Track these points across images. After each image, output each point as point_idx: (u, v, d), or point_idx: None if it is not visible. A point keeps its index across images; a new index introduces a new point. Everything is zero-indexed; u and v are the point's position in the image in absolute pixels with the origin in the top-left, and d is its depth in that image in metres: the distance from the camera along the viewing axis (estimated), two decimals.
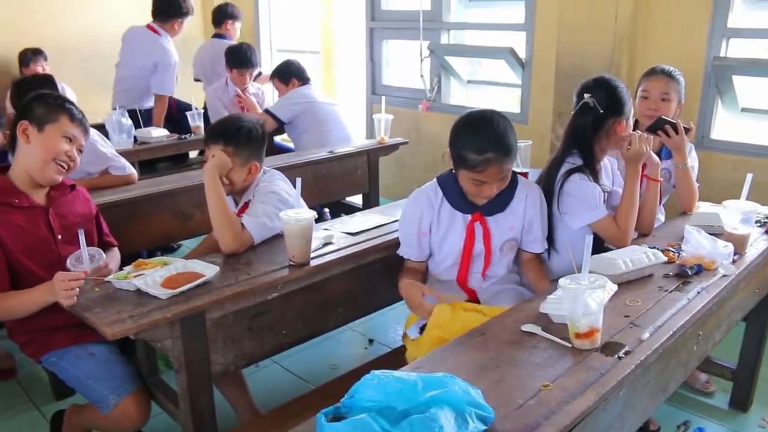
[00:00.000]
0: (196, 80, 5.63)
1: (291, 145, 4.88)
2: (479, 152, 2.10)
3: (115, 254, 2.52)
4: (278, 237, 2.41)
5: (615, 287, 1.94)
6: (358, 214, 2.81)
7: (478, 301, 2.38)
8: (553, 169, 2.45)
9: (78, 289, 1.97)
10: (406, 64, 5.53)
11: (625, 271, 2.07)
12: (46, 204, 2.30)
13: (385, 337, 3.52)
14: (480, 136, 2.12)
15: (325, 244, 2.39)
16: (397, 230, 2.51)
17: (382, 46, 5.63)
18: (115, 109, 4.70)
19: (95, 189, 3.21)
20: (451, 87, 5.24)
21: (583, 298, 1.65)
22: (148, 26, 4.96)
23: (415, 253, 2.37)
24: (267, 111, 4.50)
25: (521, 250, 2.44)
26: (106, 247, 2.50)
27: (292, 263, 2.20)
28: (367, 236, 2.51)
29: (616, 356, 1.64)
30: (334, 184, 3.90)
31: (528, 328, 1.80)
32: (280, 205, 2.42)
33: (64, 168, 2.26)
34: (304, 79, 4.59)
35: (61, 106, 2.28)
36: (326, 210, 4.76)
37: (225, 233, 2.29)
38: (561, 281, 1.74)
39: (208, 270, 2.10)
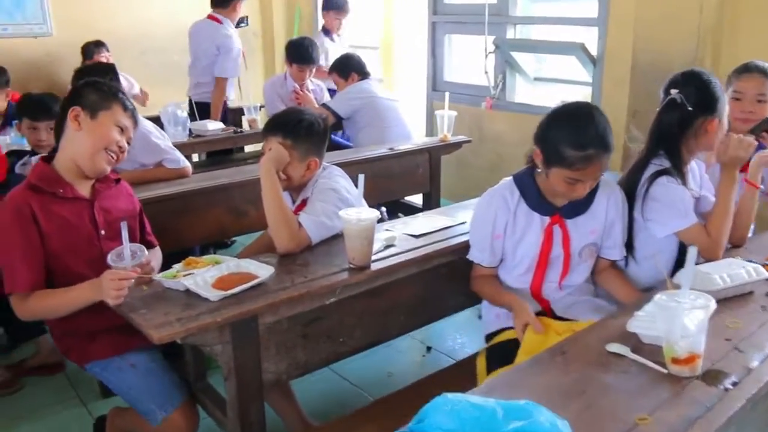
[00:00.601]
0: None
1: (339, 139, 4.76)
2: (580, 148, 1.92)
3: (157, 254, 2.40)
4: (337, 237, 2.26)
5: (714, 305, 1.72)
6: (420, 215, 2.63)
7: (551, 312, 2.19)
8: (637, 171, 2.23)
9: (126, 288, 1.85)
10: (469, 59, 5.33)
11: (723, 287, 1.84)
12: (91, 196, 2.17)
13: (443, 345, 3.34)
14: (580, 130, 1.94)
15: (387, 246, 2.23)
16: (463, 234, 2.34)
17: (444, 41, 5.45)
18: (190, 102, 4.78)
19: (148, 181, 3.13)
20: (516, 84, 5.02)
21: (681, 319, 1.45)
22: (209, 16, 4.94)
23: (487, 257, 2.20)
24: (325, 105, 4.37)
25: (598, 257, 2.23)
26: (147, 246, 2.38)
27: (351, 266, 2.04)
28: (431, 239, 2.33)
29: (722, 387, 1.43)
30: (394, 183, 3.73)
31: (615, 348, 1.60)
32: (340, 204, 2.27)
33: (113, 158, 2.14)
34: (363, 74, 4.43)
35: (114, 94, 2.17)
36: (383, 209, 4.60)
37: (281, 232, 2.15)
38: (656, 298, 1.54)
39: (262, 271, 1.95)
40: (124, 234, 1.96)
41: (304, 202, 2.36)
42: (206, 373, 2.28)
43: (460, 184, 5.04)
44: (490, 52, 4.91)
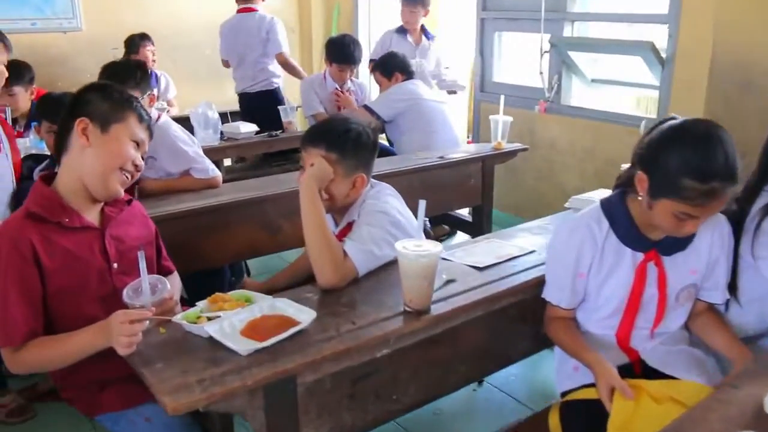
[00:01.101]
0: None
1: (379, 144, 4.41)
2: (704, 180, 1.55)
3: (175, 282, 2.09)
4: (388, 267, 1.94)
5: None
6: (481, 240, 2.27)
7: (641, 365, 1.83)
8: (746, 201, 1.85)
9: (140, 333, 1.54)
10: (520, 59, 4.95)
11: None
12: (101, 224, 1.86)
13: (495, 377, 2.96)
14: (707, 157, 1.56)
15: (448, 282, 1.88)
16: (535, 266, 2.00)
17: (494, 39, 5.07)
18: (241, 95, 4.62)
19: (173, 192, 2.85)
20: (572, 86, 4.63)
21: None
22: (243, 9, 4.76)
23: (566, 298, 1.85)
24: (366, 107, 4.04)
25: (696, 299, 1.87)
26: (164, 274, 2.07)
27: (408, 309, 1.70)
28: (498, 273, 1.98)
29: None
30: (443, 195, 3.38)
31: None
32: (392, 229, 1.94)
33: (128, 178, 1.83)
34: (408, 74, 4.10)
35: (128, 102, 1.85)
36: (427, 222, 4.25)
37: (324, 263, 1.83)
38: None
39: (303, 315, 1.62)
40: (142, 265, 1.64)
41: (349, 226, 2.03)
42: (233, 428, 1.96)
43: (509, 194, 4.69)
44: (545, 51, 4.52)
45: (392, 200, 2.05)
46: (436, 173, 3.33)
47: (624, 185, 1.81)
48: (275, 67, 4.94)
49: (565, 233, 1.84)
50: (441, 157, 3.39)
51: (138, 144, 1.84)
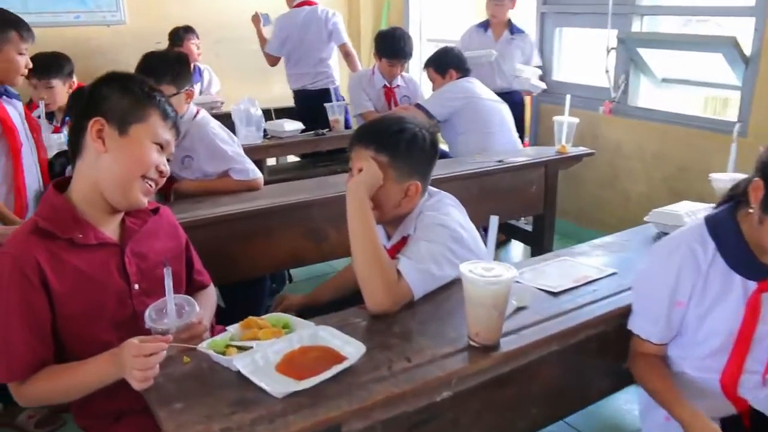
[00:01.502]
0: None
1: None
2: None
3: (209, 297, 1.86)
4: (447, 290, 1.69)
5: None
6: (551, 260, 1.98)
7: (751, 417, 1.54)
8: None
9: (157, 366, 1.31)
10: (584, 56, 4.63)
11: None
12: (121, 238, 1.61)
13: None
14: None
15: (518, 309, 1.61)
16: (618, 293, 1.72)
17: (555, 35, 4.76)
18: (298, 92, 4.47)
19: (211, 193, 2.64)
20: (640, 86, 4.29)
21: None
22: (302, 3, 4.57)
23: (659, 332, 1.57)
24: (419, 106, 3.77)
25: None
26: (196, 288, 1.85)
27: (473, 344, 1.43)
28: (575, 299, 1.69)
29: None
30: (503, 202, 3.09)
31: None
32: (453, 245, 1.69)
33: (152, 187, 1.59)
34: (464, 71, 3.83)
35: (150, 97, 1.57)
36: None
37: (374, 284, 1.58)
38: None
39: (349, 348, 1.38)
40: (168, 283, 1.42)
41: (403, 241, 1.78)
42: None
43: (569, 201, 4.37)
44: (611, 48, 4.19)
45: (454, 212, 1.79)
46: (496, 178, 3.05)
47: (735, 198, 1.52)
48: (334, 64, 4.71)
49: (662, 255, 1.56)
50: (500, 161, 3.11)
51: (162, 146, 1.59)
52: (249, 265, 2.45)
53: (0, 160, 2.40)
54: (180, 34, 4.82)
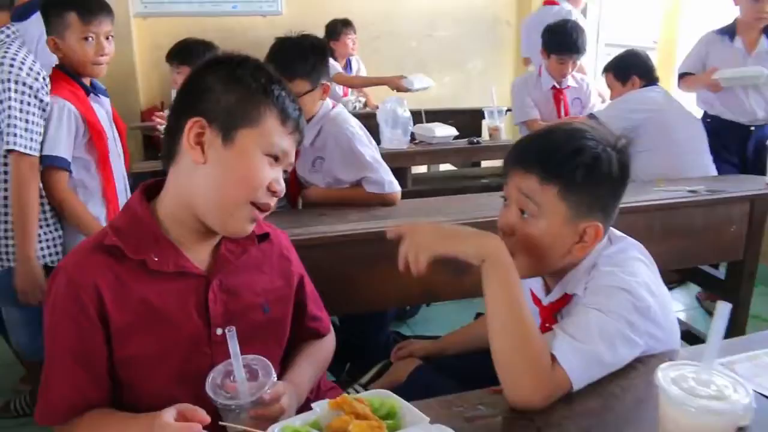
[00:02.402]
0: None
1: None
2: None
3: (321, 350, 1.46)
4: (624, 377, 1.20)
5: None
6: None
7: None
8: None
9: None
10: None
11: None
12: (210, 269, 1.25)
13: None
14: None
15: (739, 430, 1.08)
16: None
17: None
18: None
19: (340, 204, 2.31)
20: None
21: None
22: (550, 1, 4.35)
23: None
24: (592, 117, 3.21)
25: None
26: (309, 334, 1.45)
27: None
28: None
29: None
30: (691, 243, 2.46)
31: None
32: (636, 318, 1.20)
33: (262, 211, 1.21)
34: (650, 79, 3.21)
35: (265, 91, 1.18)
36: None
37: (518, 376, 1.13)
38: None
39: None
40: (233, 347, 1.06)
41: (565, 299, 1.30)
42: None
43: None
44: None
45: (642, 270, 1.28)
46: (685, 213, 2.44)
47: None
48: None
49: None
50: (693, 191, 2.49)
51: (278, 158, 1.20)
52: (372, 296, 2.06)
53: (90, 167, 2.15)
54: (338, 28, 4.62)
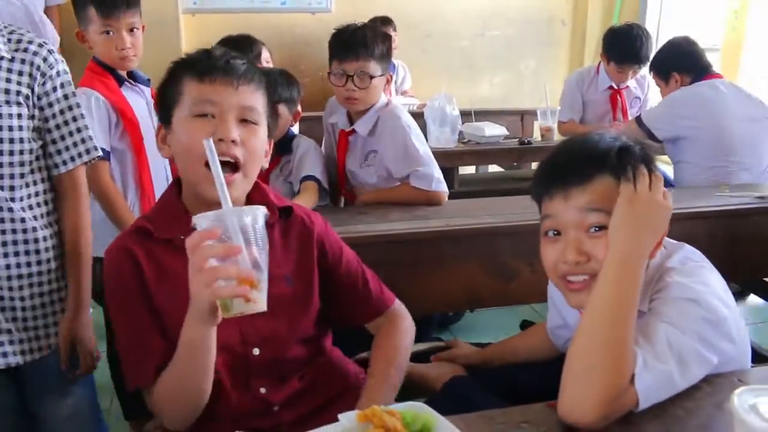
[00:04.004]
0: None
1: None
2: None
3: (394, 342, 1.46)
4: (689, 398, 1.08)
5: None
6: None
7: None
8: None
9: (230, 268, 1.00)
10: None
11: None
12: None
13: None
14: None
15: None
16: None
17: None
18: None
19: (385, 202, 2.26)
20: None
21: None
22: None
23: None
24: (639, 121, 3.02)
25: None
26: (369, 310, 1.47)
27: None
28: None
29: None
30: (756, 252, 2.30)
31: None
32: (708, 332, 1.08)
33: (234, 173, 1.24)
34: (699, 71, 2.96)
35: (186, 63, 1.29)
36: None
37: (590, 386, 1.02)
38: None
39: None
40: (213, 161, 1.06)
41: None
42: None
43: None
44: None
45: (714, 279, 1.15)
46: (751, 221, 2.27)
47: None
48: None
49: None
50: (761, 197, 2.32)
51: (212, 114, 1.23)
52: (413, 299, 1.94)
53: (126, 157, 2.11)
54: (377, 25, 4.51)
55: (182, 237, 1.13)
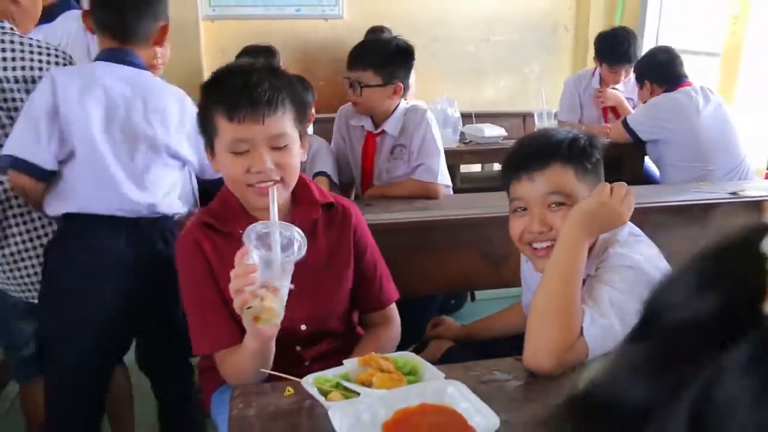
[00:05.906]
0: None
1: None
2: None
3: (386, 338, 1.66)
4: None
5: None
6: None
7: None
8: None
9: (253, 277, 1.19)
10: None
11: None
12: None
13: None
14: None
15: None
16: None
17: None
18: None
19: (390, 196, 2.47)
20: None
21: None
22: None
23: None
24: (625, 124, 3.25)
25: None
26: (373, 302, 1.68)
27: None
28: None
29: None
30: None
31: None
32: (645, 293, 1.27)
33: (272, 183, 1.41)
34: (671, 81, 3.20)
35: (208, 93, 1.48)
36: None
37: (547, 336, 1.26)
38: None
39: (479, 419, 1.06)
40: (272, 198, 1.29)
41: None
42: None
43: None
44: None
45: (646, 250, 1.39)
46: (723, 215, 2.49)
47: None
48: None
49: None
50: (734, 193, 2.54)
51: (246, 150, 1.40)
52: (415, 282, 2.18)
53: None
54: (376, 34, 4.66)
55: (241, 231, 1.32)
